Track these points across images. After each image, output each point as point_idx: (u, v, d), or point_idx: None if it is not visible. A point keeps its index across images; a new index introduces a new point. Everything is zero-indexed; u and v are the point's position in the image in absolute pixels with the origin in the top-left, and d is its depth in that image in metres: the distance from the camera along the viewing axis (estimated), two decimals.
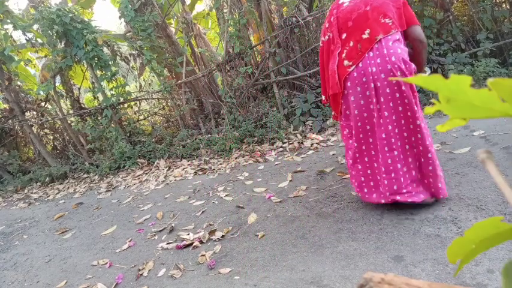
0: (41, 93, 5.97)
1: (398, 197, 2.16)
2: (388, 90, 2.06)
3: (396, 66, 2.03)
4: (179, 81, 5.46)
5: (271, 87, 5.15)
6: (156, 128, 5.70)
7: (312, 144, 4.06)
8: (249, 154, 4.34)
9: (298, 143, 4.24)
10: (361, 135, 2.23)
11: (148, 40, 5.15)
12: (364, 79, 2.10)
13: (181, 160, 4.90)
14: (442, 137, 3.25)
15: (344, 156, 3.44)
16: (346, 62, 2.16)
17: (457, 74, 3.65)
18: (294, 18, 4.85)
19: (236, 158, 4.33)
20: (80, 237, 3.24)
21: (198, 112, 5.75)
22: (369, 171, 2.29)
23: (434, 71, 4.48)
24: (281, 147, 4.29)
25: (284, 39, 4.96)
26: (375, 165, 2.25)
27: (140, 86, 6.39)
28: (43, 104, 6.10)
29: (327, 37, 2.31)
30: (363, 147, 2.26)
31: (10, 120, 6.26)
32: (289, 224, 2.48)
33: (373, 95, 2.10)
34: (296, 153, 3.95)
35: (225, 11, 5.27)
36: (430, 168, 2.15)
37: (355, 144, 2.27)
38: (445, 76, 0.29)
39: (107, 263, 2.58)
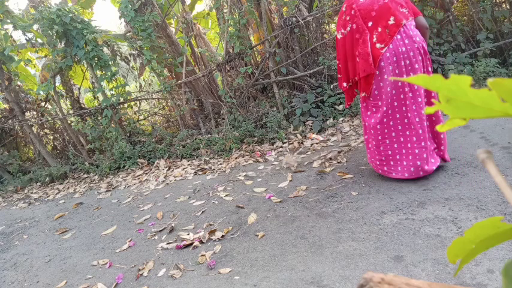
0: (41, 93, 5.97)
1: (421, 173, 2.52)
2: (416, 66, 2.45)
3: (421, 45, 2.46)
4: (179, 81, 5.46)
5: (271, 87, 5.15)
6: (156, 128, 5.70)
7: (311, 145, 4.06)
8: (249, 154, 4.34)
9: (298, 143, 4.24)
10: (390, 111, 2.52)
11: (148, 40, 5.15)
12: (395, 58, 2.44)
13: (181, 160, 4.90)
14: None
15: (342, 154, 3.44)
16: (378, 45, 2.47)
17: (457, 74, 3.65)
18: (294, 18, 4.85)
19: (236, 158, 4.33)
20: (80, 237, 3.24)
21: (198, 112, 5.75)
22: (395, 146, 2.57)
23: (434, 71, 4.48)
24: (281, 147, 4.29)
25: (284, 39, 4.96)
26: (401, 139, 2.55)
27: (140, 86, 6.39)
28: (43, 104, 6.10)
29: (348, 28, 2.57)
30: (391, 123, 2.55)
31: (10, 120, 6.25)
32: (289, 224, 2.48)
33: (404, 72, 2.45)
34: (296, 153, 3.95)
35: (225, 11, 5.27)
36: (442, 136, 2.59)
37: (385, 120, 2.55)
38: (445, 76, 0.29)
39: (107, 263, 2.58)
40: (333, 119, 4.51)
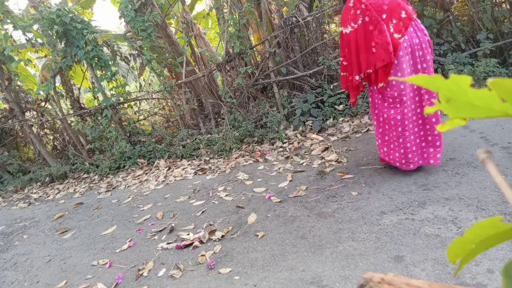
0: (41, 93, 5.96)
1: (432, 161, 2.65)
2: (428, 57, 2.59)
3: (428, 38, 2.62)
4: (179, 81, 5.46)
5: (271, 87, 5.15)
6: (156, 128, 5.70)
7: (311, 145, 4.06)
8: (249, 154, 4.34)
9: (298, 143, 4.24)
10: (409, 102, 2.59)
11: (148, 40, 5.15)
12: (409, 49, 2.54)
13: (181, 160, 4.90)
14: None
15: (341, 155, 3.44)
16: (396, 35, 2.53)
17: (457, 74, 3.65)
18: (294, 18, 4.85)
19: (236, 158, 4.33)
20: (80, 237, 3.23)
21: (198, 112, 5.75)
22: (412, 137, 2.63)
23: (434, 70, 4.48)
24: (281, 147, 4.29)
25: (284, 39, 4.96)
26: (416, 130, 2.64)
27: (140, 86, 6.39)
28: (43, 104, 6.10)
29: (359, 22, 2.59)
30: (410, 114, 2.60)
31: (10, 120, 6.25)
32: (289, 224, 2.48)
33: (418, 62, 2.57)
34: (296, 153, 3.95)
35: (225, 11, 5.27)
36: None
37: (405, 111, 2.58)
38: (445, 76, 0.29)
39: (107, 263, 2.58)
40: (333, 119, 4.51)
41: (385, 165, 3.00)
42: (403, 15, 2.54)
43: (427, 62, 2.58)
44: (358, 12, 2.59)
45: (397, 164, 2.71)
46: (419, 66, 2.58)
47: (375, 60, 2.54)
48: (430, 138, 2.64)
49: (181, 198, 3.54)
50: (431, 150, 2.64)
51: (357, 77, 2.69)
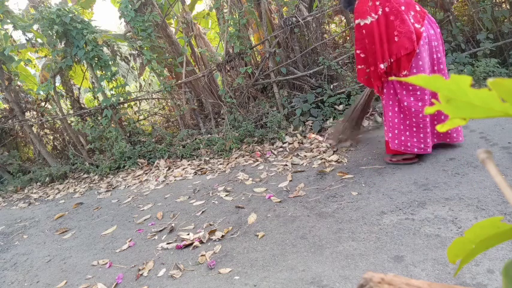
0: (41, 93, 5.96)
1: (457, 138, 2.90)
2: (440, 48, 2.77)
3: (440, 30, 2.82)
4: (179, 81, 5.46)
5: (271, 87, 5.15)
6: (156, 128, 5.70)
7: (311, 144, 4.06)
8: (249, 154, 4.34)
9: (298, 143, 4.24)
10: (427, 90, 2.70)
11: (148, 40, 5.15)
12: (427, 40, 2.67)
13: (181, 160, 4.90)
14: None
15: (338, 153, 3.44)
16: (416, 25, 2.64)
17: (457, 74, 3.65)
18: (294, 18, 4.85)
19: (236, 158, 4.33)
20: (80, 237, 3.23)
21: (198, 112, 5.75)
22: (428, 119, 2.76)
23: None
24: (281, 147, 4.29)
25: (284, 39, 4.96)
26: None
27: (140, 86, 6.39)
28: (43, 104, 6.10)
29: (380, 12, 2.66)
30: (428, 100, 2.73)
31: (10, 120, 6.25)
32: (289, 224, 2.48)
33: (434, 52, 2.74)
34: (296, 153, 3.95)
35: (225, 11, 5.27)
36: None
37: (426, 97, 2.71)
38: None
39: (107, 263, 2.58)
40: (333, 119, 4.51)
41: (386, 165, 3.00)
42: (418, 8, 2.71)
43: (441, 52, 2.78)
44: (378, 3, 2.66)
45: (415, 150, 2.80)
46: (434, 56, 2.75)
47: (398, 48, 2.62)
48: (443, 117, 2.82)
49: (181, 198, 3.54)
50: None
51: (382, 66, 2.72)
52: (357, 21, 2.77)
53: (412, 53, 2.61)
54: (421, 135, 2.76)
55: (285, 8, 5.31)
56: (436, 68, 2.77)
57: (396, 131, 2.84)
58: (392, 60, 2.65)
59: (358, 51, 2.84)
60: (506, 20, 4.58)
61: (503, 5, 4.71)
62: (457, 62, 4.37)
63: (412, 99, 2.73)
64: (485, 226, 0.39)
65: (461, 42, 4.52)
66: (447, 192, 2.35)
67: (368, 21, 2.69)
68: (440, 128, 0.37)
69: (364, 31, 2.73)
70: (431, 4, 4.57)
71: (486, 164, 0.35)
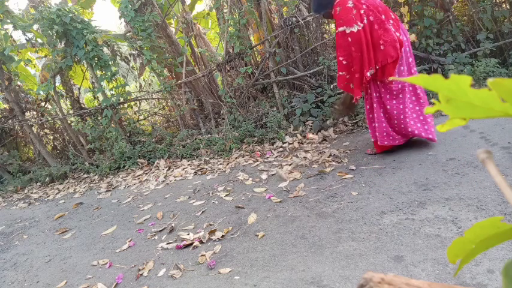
0: (41, 93, 5.96)
1: (431, 136, 3.08)
2: (411, 52, 3.01)
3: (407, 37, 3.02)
4: (179, 81, 5.46)
5: (271, 87, 5.15)
6: (156, 128, 5.70)
7: (311, 144, 4.06)
8: (249, 154, 4.34)
9: (299, 143, 4.24)
10: (410, 88, 2.99)
11: (148, 40, 5.14)
12: (403, 48, 2.85)
13: (181, 160, 4.90)
14: (442, 137, 3.25)
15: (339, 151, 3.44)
16: (397, 34, 2.80)
17: (457, 74, 3.64)
18: (294, 18, 4.85)
19: (236, 158, 4.33)
20: (80, 237, 3.23)
21: (198, 112, 5.75)
22: (416, 114, 3.03)
23: (434, 71, 4.48)
24: (281, 147, 4.29)
25: (284, 39, 4.96)
26: (420, 108, 3.04)
27: (140, 86, 6.39)
28: (43, 104, 6.10)
29: (365, 21, 2.78)
30: (408, 102, 3.00)
31: (10, 120, 6.26)
32: (289, 224, 2.48)
33: (408, 56, 2.96)
34: (296, 153, 3.95)
35: (225, 11, 5.27)
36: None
37: (406, 100, 2.97)
38: (445, 76, 0.29)
39: (107, 263, 2.58)
40: (333, 119, 4.51)
41: (385, 165, 3.00)
42: (392, 15, 2.88)
43: (412, 56, 3.02)
44: (362, 12, 2.77)
45: (397, 142, 3.07)
46: (410, 60, 2.99)
47: (385, 56, 2.77)
48: (422, 117, 3.05)
49: (181, 198, 3.54)
50: (426, 127, 3.03)
51: (368, 73, 2.84)
52: (341, 29, 2.83)
53: (396, 60, 2.78)
54: (402, 126, 3.02)
55: (285, 8, 5.31)
56: (412, 71, 3.00)
57: (384, 130, 3.09)
58: (378, 67, 2.82)
59: (341, 58, 2.91)
60: (506, 20, 4.58)
61: (503, 5, 4.70)
62: (457, 62, 4.37)
63: (394, 102, 2.97)
64: (485, 226, 0.39)
65: (461, 42, 4.52)
66: (447, 192, 2.35)
67: (355, 29, 2.76)
68: (441, 128, 0.37)
69: (349, 39, 2.79)
70: (431, 4, 4.56)
71: (486, 164, 0.35)
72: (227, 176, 3.82)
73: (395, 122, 3.01)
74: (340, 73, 2.96)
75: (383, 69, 2.83)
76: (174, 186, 3.99)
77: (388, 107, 2.98)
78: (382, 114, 3.05)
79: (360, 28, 2.76)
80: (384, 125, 3.07)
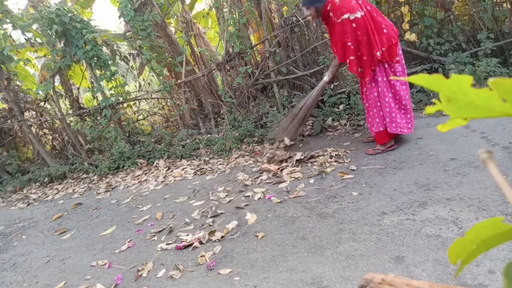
0: (40, 93, 5.95)
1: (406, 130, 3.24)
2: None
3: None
4: (179, 81, 5.45)
5: (271, 87, 5.15)
6: (156, 128, 5.69)
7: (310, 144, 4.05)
8: (249, 154, 4.34)
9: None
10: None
11: (147, 40, 5.14)
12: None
13: (181, 160, 4.89)
14: (442, 137, 3.25)
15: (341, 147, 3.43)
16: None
17: (458, 73, 3.62)
18: (294, 18, 4.85)
19: (236, 158, 4.32)
20: (79, 237, 3.23)
21: (197, 112, 5.74)
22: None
23: (435, 70, 4.48)
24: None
25: (284, 39, 4.95)
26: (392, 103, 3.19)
27: (140, 85, 6.38)
28: (42, 103, 6.09)
29: (365, 9, 3.00)
30: (403, 87, 3.19)
31: (9, 120, 6.25)
32: (290, 224, 2.47)
33: None
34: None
35: (225, 10, 5.26)
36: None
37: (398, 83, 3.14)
38: (446, 76, 0.29)
39: (106, 263, 2.58)
40: (333, 119, 4.51)
41: (386, 165, 3.00)
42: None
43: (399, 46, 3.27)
44: (360, 2, 3.03)
45: (405, 131, 3.17)
46: None
47: (389, 38, 3.02)
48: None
49: (181, 198, 3.53)
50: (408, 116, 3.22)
51: (378, 53, 3.02)
52: (345, 16, 2.98)
53: (397, 42, 3.07)
54: (408, 115, 3.19)
55: (285, 7, 5.31)
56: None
57: (393, 114, 3.16)
58: (384, 49, 3.01)
59: (349, 44, 3.06)
60: (506, 20, 4.58)
61: (504, 5, 4.70)
62: (458, 62, 4.36)
63: (398, 83, 3.15)
64: (486, 226, 0.39)
65: (462, 41, 4.51)
66: (448, 192, 2.34)
67: (358, 15, 2.97)
68: (442, 128, 0.37)
69: (354, 24, 2.97)
70: (431, 3, 4.56)
71: (487, 164, 0.34)
72: (227, 176, 3.82)
73: (404, 102, 3.17)
74: (351, 57, 3.10)
75: (389, 51, 3.05)
76: (173, 187, 3.99)
77: (397, 87, 3.15)
78: (391, 100, 3.16)
79: (363, 14, 2.98)
80: (393, 109, 3.16)
